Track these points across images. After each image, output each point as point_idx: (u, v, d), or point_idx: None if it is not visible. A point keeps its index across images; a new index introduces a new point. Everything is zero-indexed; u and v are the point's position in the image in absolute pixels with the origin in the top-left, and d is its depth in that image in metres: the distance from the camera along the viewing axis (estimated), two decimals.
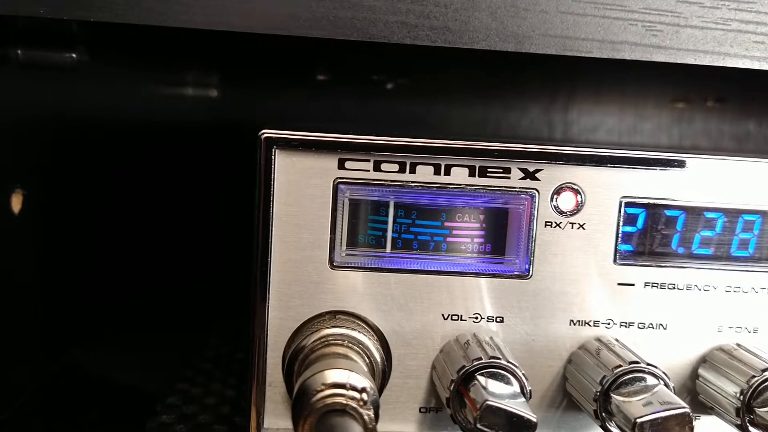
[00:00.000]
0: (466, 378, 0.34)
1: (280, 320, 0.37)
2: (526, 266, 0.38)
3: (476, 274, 0.37)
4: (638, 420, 0.32)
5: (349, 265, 0.37)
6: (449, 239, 0.37)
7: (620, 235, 0.38)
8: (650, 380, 0.35)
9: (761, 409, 0.35)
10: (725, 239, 0.39)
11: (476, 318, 0.38)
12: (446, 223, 0.37)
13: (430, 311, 0.38)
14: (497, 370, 0.34)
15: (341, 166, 0.36)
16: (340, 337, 0.36)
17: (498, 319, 0.38)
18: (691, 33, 0.35)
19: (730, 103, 0.73)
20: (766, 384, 0.36)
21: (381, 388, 0.37)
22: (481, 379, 0.34)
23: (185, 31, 0.33)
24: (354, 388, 0.30)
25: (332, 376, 0.30)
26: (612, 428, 0.35)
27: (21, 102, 0.45)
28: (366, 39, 0.34)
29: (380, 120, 0.70)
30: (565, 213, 0.37)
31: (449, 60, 0.61)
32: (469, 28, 0.34)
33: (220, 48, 0.60)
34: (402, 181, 0.36)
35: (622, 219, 0.38)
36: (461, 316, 0.38)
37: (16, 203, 0.45)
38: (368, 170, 0.36)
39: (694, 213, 0.38)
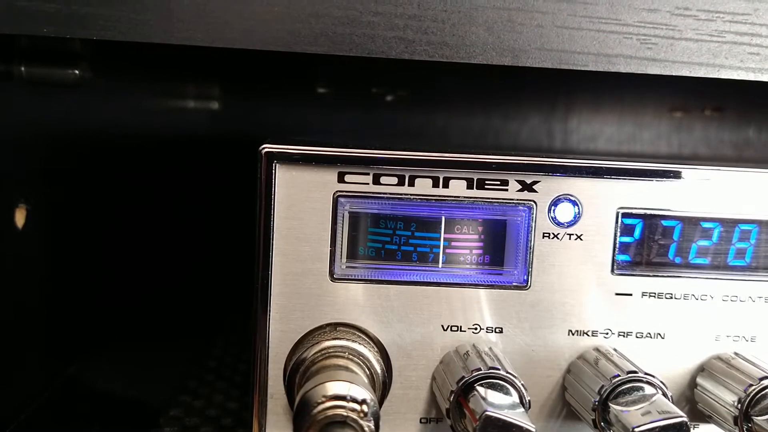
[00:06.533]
0: (466, 389, 0.35)
1: (281, 332, 0.37)
2: (525, 277, 0.38)
3: (475, 285, 0.38)
4: (636, 429, 0.33)
5: (350, 277, 0.37)
6: (448, 251, 0.38)
7: (617, 245, 0.38)
8: (648, 389, 0.35)
9: (759, 418, 0.36)
10: (722, 249, 0.39)
11: (475, 329, 0.38)
12: (445, 235, 0.38)
13: (430, 322, 0.38)
14: (496, 381, 0.35)
15: (341, 179, 0.37)
16: (341, 349, 0.36)
17: (497, 330, 0.38)
18: (686, 45, 0.36)
19: (728, 112, 0.73)
20: (763, 392, 0.36)
21: (381, 400, 0.37)
22: (481, 389, 0.34)
23: (187, 46, 0.34)
24: (354, 400, 0.30)
25: (333, 388, 0.30)
26: None
27: (24, 118, 0.46)
28: (365, 54, 0.34)
29: (380, 132, 0.71)
30: (563, 224, 0.38)
31: (449, 72, 0.61)
32: (466, 42, 0.35)
33: (222, 62, 0.60)
34: (401, 194, 0.37)
35: (619, 229, 0.38)
36: (461, 327, 0.38)
37: (20, 218, 0.45)
38: (368, 183, 0.37)
39: (691, 223, 0.39)
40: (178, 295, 0.68)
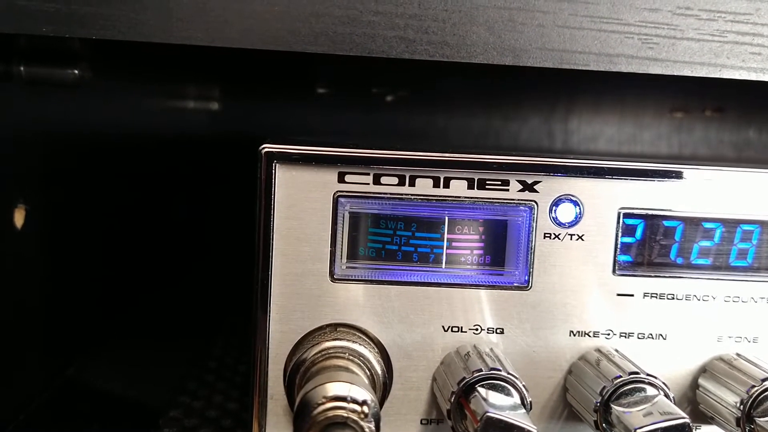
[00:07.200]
0: (467, 389, 0.34)
1: (281, 333, 0.37)
2: (526, 277, 0.38)
3: (476, 286, 0.38)
4: (638, 430, 0.33)
5: (350, 277, 0.37)
6: (449, 251, 0.38)
7: (619, 245, 0.38)
8: (650, 390, 0.35)
9: (761, 419, 0.35)
10: (724, 249, 0.39)
11: (476, 329, 0.38)
12: (446, 236, 0.37)
13: (431, 323, 0.38)
14: (497, 382, 0.34)
15: (341, 179, 0.36)
16: (341, 350, 0.36)
17: (498, 331, 0.38)
18: (687, 45, 0.36)
19: (729, 112, 0.73)
20: (766, 393, 0.36)
21: (382, 401, 0.37)
22: (482, 390, 0.34)
23: (187, 46, 0.34)
24: (355, 401, 0.30)
25: (333, 389, 0.30)
26: None
27: (24, 118, 0.46)
28: (365, 54, 0.34)
29: (380, 132, 0.70)
30: (564, 224, 0.38)
31: (449, 72, 0.61)
32: (466, 42, 0.35)
33: (222, 63, 0.60)
34: (401, 194, 0.37)
35: (620, 230, 0.38)
36: (461, 327, 0.38)
37: (19, 218, 0.45)
38: (368, 183, 0.37)
39: (693, 223, 0.39)
40: (178, 296, 0.68)
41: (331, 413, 0.29)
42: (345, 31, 0.34)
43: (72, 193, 0.53)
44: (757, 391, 0.36)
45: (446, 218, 0.37)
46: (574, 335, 0.38)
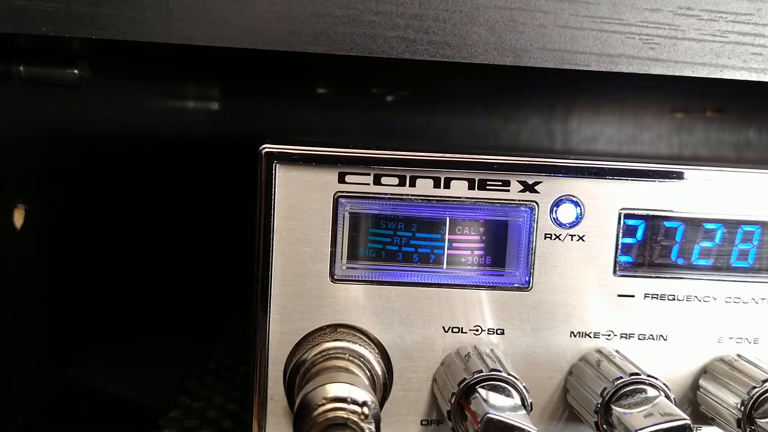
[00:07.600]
0: (467, 390, 0.34)
1: (281, 334, 0.37)
2: (526, 278, 0.38)
3: (476, 287, 0.38)
4: (639, 431, 0.33)
5: (350, 278, 0.37)
6: (449, 252, 0.37)
7: (620, 246, 0.38)
8: (651, 392, 0.35)
9: (762, 420, 0.35)
10: (725, 250, 0.39)
11: (477, 330, 0.38)
12: (446, 236, 0.37)
13: (431, 324, 0.38)
14: (498, 383, 0.34)
15: (341, 179, 0.36)
16: (341, 351, 0.36)
17: (498, 332, 0.38)
18: (688, 45, 0.36)
19: (729, 113, 0.73)
20: (766, 395, 0.36)
21: (382, 402, 0.37)
22: (482, 391, 0.34)
23: (187, 46, 0.34)
24: (355, 402, 0.30)
25: (333, 390, 0.30)
26: None
27: (23, 118, 0.46)
28: (365, 54, 0.34)
29: (380, 132, 0.70)
30: (565, 225, 0.38)
31: (450, 72, 0.61)
32: (467, 42, 0.35)
33: (221, 62, 0.60)
34: (402, 195, 0.37)
35: (621, 230, 0.38)
36: (462, 328, 0.38)
37: (18, 218, 0.45)
38: (368, 184, 0.36)
39: (694, 224, 0.38)
40: (178, 296, 0.68)
41: (331, 414, 0.29)
42: (345, 31, 0.34)
43: (71, 194, 0.53)
44: (758, 392, 0.36)
45: (447, 219, 0.37)
46: (575, 336, 0.38)
